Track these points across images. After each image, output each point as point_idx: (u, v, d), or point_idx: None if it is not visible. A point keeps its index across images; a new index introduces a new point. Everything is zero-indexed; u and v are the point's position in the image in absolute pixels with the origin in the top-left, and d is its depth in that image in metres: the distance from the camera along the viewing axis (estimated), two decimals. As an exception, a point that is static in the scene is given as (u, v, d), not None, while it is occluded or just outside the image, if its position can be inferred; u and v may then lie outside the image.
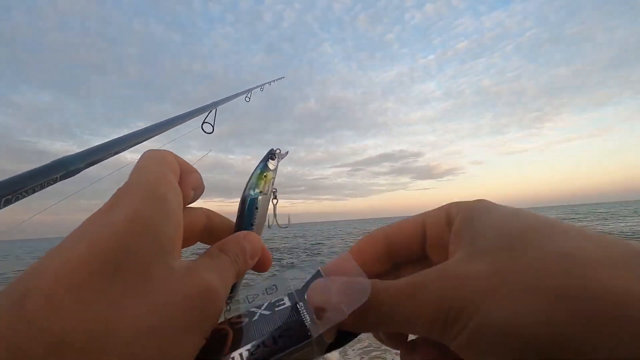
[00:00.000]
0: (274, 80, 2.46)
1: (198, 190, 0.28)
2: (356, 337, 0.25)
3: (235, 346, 0.23)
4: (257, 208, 0.33)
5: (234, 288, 0.30)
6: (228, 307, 0.29)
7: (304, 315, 0.25)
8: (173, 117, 1.23)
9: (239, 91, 1.90)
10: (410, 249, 0.27)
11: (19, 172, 0.53)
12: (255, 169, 0.35)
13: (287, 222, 0.41)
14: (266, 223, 0.36)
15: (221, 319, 0.25)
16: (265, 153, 0.36)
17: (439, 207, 0.26)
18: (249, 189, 0.34)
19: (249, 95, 2.00)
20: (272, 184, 0.35)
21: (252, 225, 0.33)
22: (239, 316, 0.26)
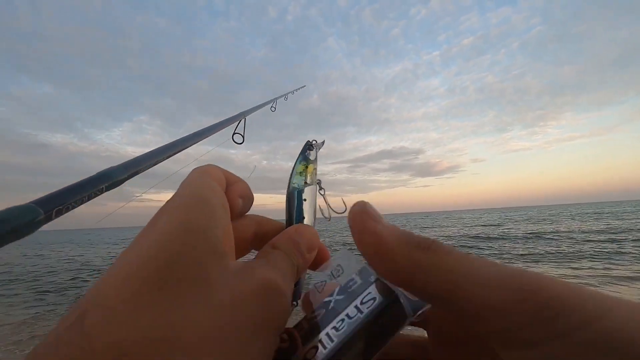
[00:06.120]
0: (296, 90, 2.50)
1: (246, 199, 0.27)
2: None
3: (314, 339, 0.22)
4: (305, 200, 0.32)
5: (298, 287, 0.28)
6: (295, 304, 0.27)
7: (397, 291, 0.23)
8: (206, 128, 1.23)
9: (265, 101, 1.91)
10: None
11: (67, 184, 0.53)
12: (296, 163, 0.34)
13: (344, 207, 0.36)
14: (320, 215, 0.34)
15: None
16: (303, 145, 0.35)
17: None
18: (293, 183, 0.32)
19: (274, 105, 2.01)
20: (315, 174, 0.34)
21: (303, 218, 0.31)
22: (313, 311, 0.24)
